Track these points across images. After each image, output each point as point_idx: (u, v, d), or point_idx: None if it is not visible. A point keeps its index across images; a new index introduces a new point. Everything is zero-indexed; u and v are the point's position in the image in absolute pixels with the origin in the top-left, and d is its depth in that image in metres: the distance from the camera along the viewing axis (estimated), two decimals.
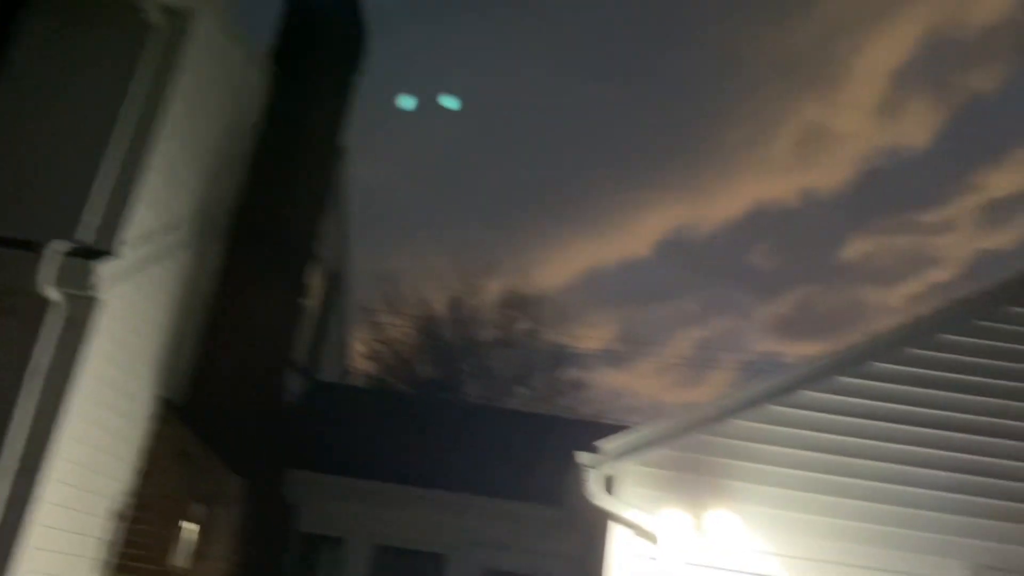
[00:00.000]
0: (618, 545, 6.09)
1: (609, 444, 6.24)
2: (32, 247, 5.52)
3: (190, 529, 7.17)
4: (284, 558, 9.31)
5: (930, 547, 6.14)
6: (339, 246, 12.10)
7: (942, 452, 6.40)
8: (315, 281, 11.13)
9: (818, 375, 6.64)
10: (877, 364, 6.69)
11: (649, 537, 6.07)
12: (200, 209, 7.48)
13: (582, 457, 6.21)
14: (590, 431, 13.24)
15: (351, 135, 10.11)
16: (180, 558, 7.05)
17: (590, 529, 7.75)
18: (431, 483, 9.56)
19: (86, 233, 5.94)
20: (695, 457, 6.37)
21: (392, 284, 29.44)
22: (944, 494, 6.28)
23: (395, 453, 10.39)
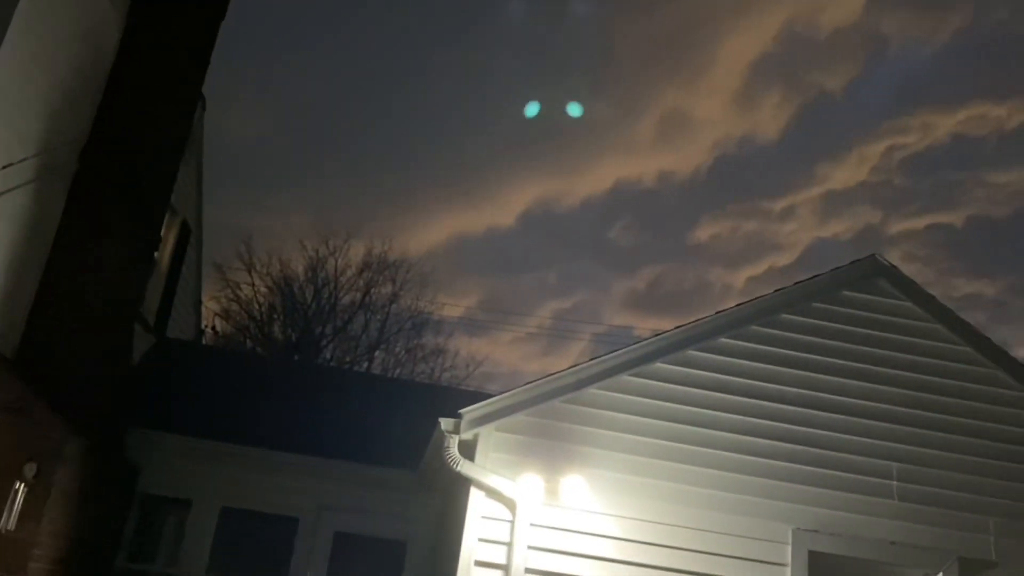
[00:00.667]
0: (478, 509, 6.18)
1: (471, 411, 6.31)
2: None
3: (22, 489, 6.74)
4: (125, 520, 8.92)
5: (758, 511, 6.57)
6: (194, 198, 11.57)
7: (773, 423, 6.84)
8: (168, 233, 10.61)
9: (670, 348, 6.94)
10: (723, 339, 7.06)
11: (508, 502, 6.21)
12: (43, 148, 6.96)
13: (445, 423, 6.25)
14: (446, 397, 13.39)
15: (212, 84, 9.65)
16: (11, 520, 6.63)
17: (449, 493, 7.84)
18: (282, 446, 9.38)
19: None
20: (553, 424, 6.54)
21: (248, 242, 28.46)
22: (772, 462, 6.72)
23: (246, 415, 10.12)
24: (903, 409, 6.99)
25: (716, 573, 6.34)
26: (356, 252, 29.98)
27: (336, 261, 29.70)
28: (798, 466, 6.74)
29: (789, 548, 6.47)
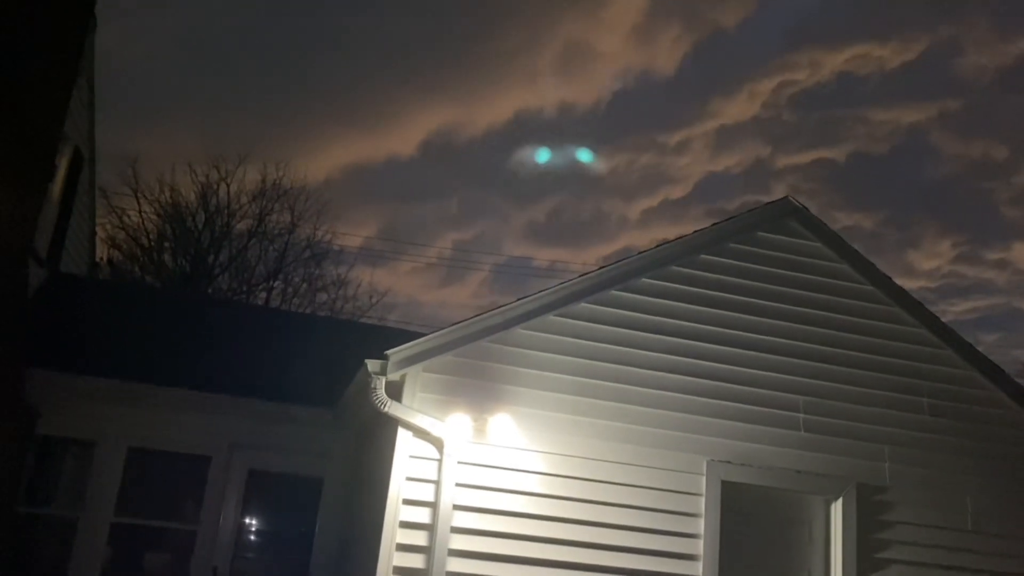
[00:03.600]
0: (405, 448, 6.20)
1: (397, 352, 6.26)
2: None
3: None
4: (24, 463, 8.53)
5: (675, 444, 6.84)
6: (86, 123, 10.84)
7: (690, 360, 7.08)
8: (60, 161, 9.95)
9: (593, 288, 7.04)
10: (645, 280, 7.20)
11: (435, 441, 6.25)
12: None
13: (372, 365, 6.19)
14: (356, 332, 13.25)
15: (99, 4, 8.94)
16: None
17: (368, 430, 7.83)
18: (190, 384, 9.10)
19: None
20: (480, 364, 6.57)
21: (135, 166, 27.03)
22: (689, 397, 6.97)
23: (150, 353, 9.76)
24: (810, 345, 7.34)
25: (636, 503, 6.60)
26: (250, 178, 28.93)
27: (228, 187, 28.61)
28: (713, 401, 7.02)
29: (704, 479, 6.78)
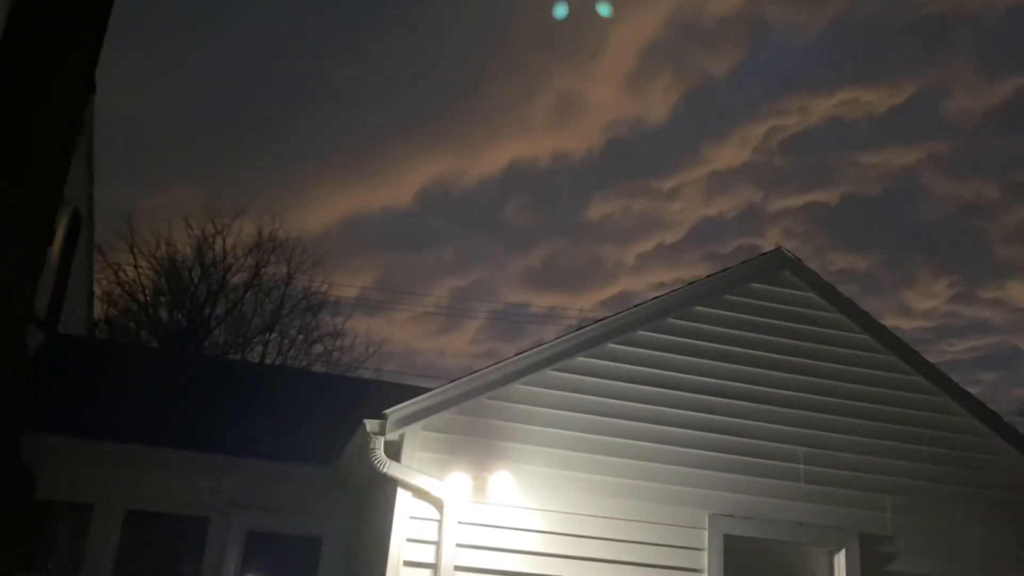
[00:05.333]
0: (405, 509, 6.17)
1: (396, 411, 6.27)
2: None
3: None
4: (22, 528, 8.45)
5: (677, 498, 6.82)
6: (85, 186, 10.96)
7: (689, 413, 7.10)
8: (59, 224, 10.03)
9: (590, 342, 7.08)
10: (641, 332, 7.24)
11: (435, 501, 6.22)
12: None
13: (370, 425, 6.20)
14: (356, 388, 13.23)
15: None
16: None
17: (369, 489, 7.79)
18: (187, 444, 9.05)
19: None
20: (479, 421, 6.58)
21: (130, 221, 27.16)
22: (689, 451, 6.98)
23: (147, 413, 9.72)
24: (808, 395, 7.37)
25: (638, 560, 6.56)
26: (245, 231, 29.08)
27: (224, 240, 28.74)
28: (713, 454, 7.01)
29: (706, 533, 6.75)
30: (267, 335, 29.01)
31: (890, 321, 7.82)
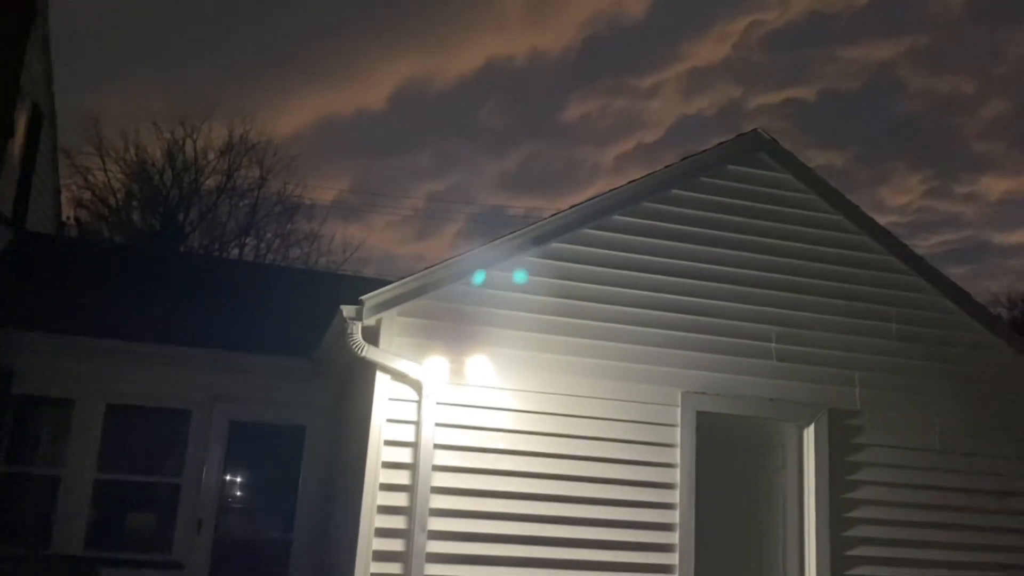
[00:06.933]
0: (384, 391, 6.25)
1: (372, 297, 6.27)
2: None
3: None
4: (1, 422, 8.51)
5: (650, 377, 6.93)
6: (43, 79, 10.59)
7: (663, 295, 7.13)
8: (19, 118, 9.73)
9: (566, 227, 7.04)
10: (617, 217, 7.22)
11: (414, 383, 6.29)
12: None
13: (347, 310, 6.20)
14: (332, 283, 13.22)
15: None
16: None
17: (349, 377, 7.87)
18: (168, 339, 9.08)
19: None
20: (455, 306, 6.60)
21: (97, 124, 26.49)
22: (663, 331, 7.04)
23: (125, 309, 9.70)
24: (781, 275, 7.44)
25: (612, 436, 6.71)
26: (216, 134, 28.51)
27: (195, 143, 28.17)
28: (686, 334, 7.11)
29: (679, 410, 6.90)
30: (243, 239, 28.82)
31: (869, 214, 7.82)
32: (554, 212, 7.21)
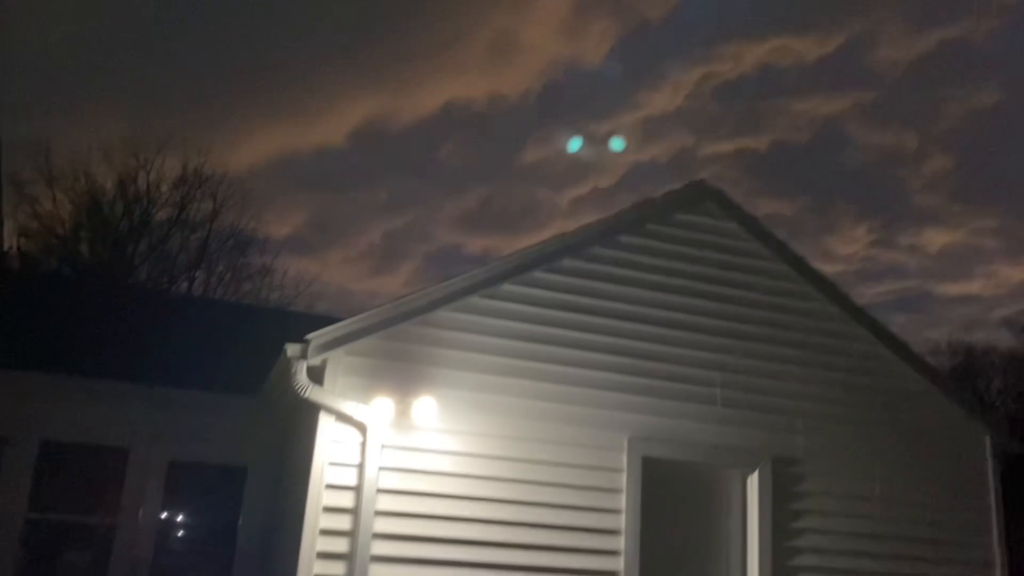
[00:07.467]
0: (328, 433, 6.16)
1: (319, 336, 6.21)
2: None
3: None
4: None
5: (598, 421, 6.94)
6: None
7: (611, 339, 7.19)
8: None
9: (516, 269, 7.08)
10: (566, 261, 7.28)
11: (358, 425, 6.22)
12: None
13: (291, 349, 6.13)
14: (281, 320, 13.06)
15: None
16: None
17: (294, 416, 7.74)
18: (106, 373, 8.85)
19: None
20: (404, 346, 6.56)
21: (47, 152, 26.02)
22: (610, 375, 7.08)
23: (64, 341, 9.47)
24: (727, 323, 7.55)
25: (559, 481, 6.69)
26: (170, 166, 28.18)
27: (148, 175, 27.81)
28: (634, 379, 7.15)
29: (625, 455, 6.91)
30: (193, 272, 28.39)
31: (813, 265, 8.00)
32: (507, 254, 7.26)
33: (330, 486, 6.11)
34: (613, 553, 6.68)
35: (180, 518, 9.52)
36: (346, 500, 6.11)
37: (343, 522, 6.06)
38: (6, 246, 15.80)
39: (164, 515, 9.05)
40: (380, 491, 6.19)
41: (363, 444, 6.20)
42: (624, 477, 6.85)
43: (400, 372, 6.47)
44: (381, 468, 6.23)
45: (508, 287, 6.99)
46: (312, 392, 6.13)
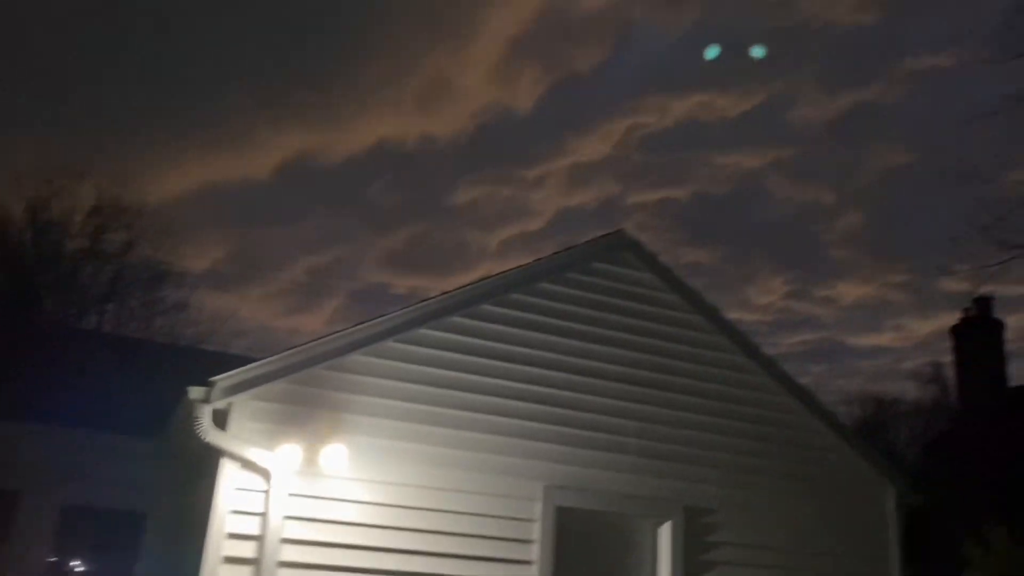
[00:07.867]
0: (230, 480, 5.92)
1: (224, 379, 5.99)
2: None
3: None
4: None
5: (512, 470, 6.86)
6: None
7: (527, 386, 7.14)
8: None
9: (434, 314, 7.00)
10: (485, 306, 7.23)
11: (263, 472, 6.00)
12: None
13: (194, 392, 5.89)
14: (190, 358, 12.66)
15: None
16: None
17: (196, 461, 7.44)
18: None
19: None
20: (314, 391, 6.39)
21: None
22: (525, 423, 7.03)
23: None
24: (641, 372, 7.59)
25: (471, 531, 6.57)
26: (85, 195, 27.24)
27: (61, 203, 26.82)
28: (549, 427, 7.10)
29: (539, 504, 6.83)
30: (104, 306, 27.34)
31: (731, 314, 8.19)
32: (424, 298, 7.16)
33: (232, 535, 5.87)
34: None
35: (73, 565, 9.04)
36: (248, 550, 5.87)
37: (244, 574, 5.81)
38: None
39: (56, 561, 8.59)
40: (284, 541, 5.97)
41: (267, 492, 5.98)
42: (538, 527, 6.76)
43: (310, 418, 6.29)
44: (286, 517, 6.02)
45: (425, 331, 6.90)
46: (215, 437, 5.90)
